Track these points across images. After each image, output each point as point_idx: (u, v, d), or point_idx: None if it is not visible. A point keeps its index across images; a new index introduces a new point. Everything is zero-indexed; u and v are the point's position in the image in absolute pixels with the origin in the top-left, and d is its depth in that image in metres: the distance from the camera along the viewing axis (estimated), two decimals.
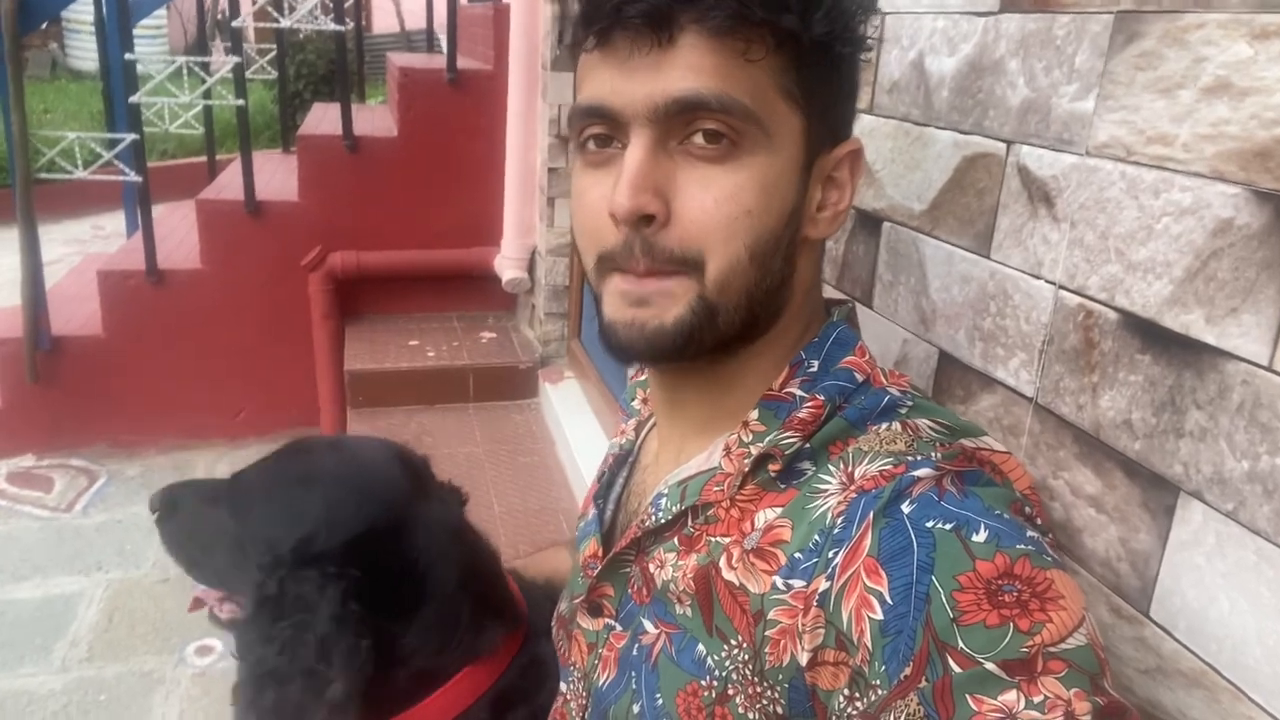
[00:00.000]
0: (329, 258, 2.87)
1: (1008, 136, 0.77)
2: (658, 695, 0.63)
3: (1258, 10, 0.55)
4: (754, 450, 0.62)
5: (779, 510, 0.60)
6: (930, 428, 0.61)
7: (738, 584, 0.60)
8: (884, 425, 0.61)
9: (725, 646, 0.60)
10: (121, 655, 2.14)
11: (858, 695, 0.50)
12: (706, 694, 0.60)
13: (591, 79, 0.61)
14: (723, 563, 0.61)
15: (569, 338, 2.80)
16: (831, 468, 0.60)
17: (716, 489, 0.63)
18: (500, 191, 2.80)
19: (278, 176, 3.18)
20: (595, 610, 0.72)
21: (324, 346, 2.89)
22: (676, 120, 0.58)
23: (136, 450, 2.98)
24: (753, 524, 0.61)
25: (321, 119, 3.24)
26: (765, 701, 0.57)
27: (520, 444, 2.53)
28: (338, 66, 3.11)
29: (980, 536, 0.50)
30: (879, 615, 0.50)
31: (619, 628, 0.70)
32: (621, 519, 0.76)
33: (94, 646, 2.16)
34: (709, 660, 0.60)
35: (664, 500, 0.66)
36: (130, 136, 2.81)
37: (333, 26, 2.96)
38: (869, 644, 0.49)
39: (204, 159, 4.01)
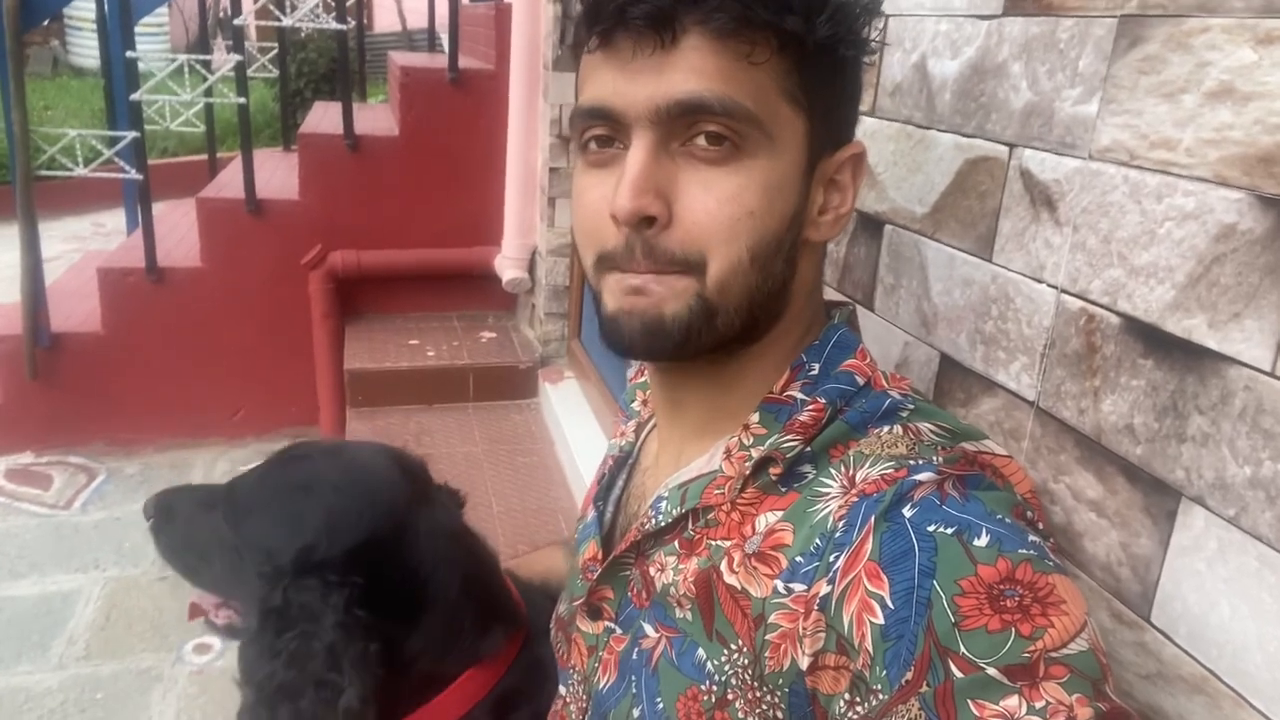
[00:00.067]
0: (329, 257, 2.87)
1: (1010, 140, 0.77)
2: (658, 699, 0.63)
3: (1262, 15, 0.55)
4: (755, 453, 0.62)
5: (780, 514, 0.60)
6: (931, 431, 0.61)
7: (739, 588, 0.59)
8: (885, 428, 0.61)
9: (725, 651, 0.59)
10: (119, 653, 2.13)
11: (858, 700, 0.50)
12: (706, 699, 0.60)
13: (593, 80, 0.61)
14: (724, 566, 0.61)
15: (569, 338, 2.80)
16: (833, 471, 0.60)
17: (717, 492, 0.63)
18: (501, 191, 2.80)
19: (278, 175, 3.18)
20: (595, 613, 0.72)
21: (324, 345, 2.88)
22: (678, 122, 0.58)
23: (135, 448, 2.98)
24: (754, 527, 0.61)
25: (322, 118, 3.24)
26: (765, 706, 0.57)
27: (520, 444, 2.53)
28: (339, 65, 3.12)
29: (982, 541, 0.50)
30: (880, 620, 0.49)
31: (619, 631, 0.70)
32: (621, 521, 0.75)
33: (91, 644, 2.15)
34: (709, 665, 0.60)
35: (664, 503, 0.66)
36: (131, 134, 2.81)
37: (334, 25, 2.96)
38: (870, 648, 0.49)
39: (205, 157, 4.01)
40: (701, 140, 0.58)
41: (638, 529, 0.68)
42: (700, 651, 0.61)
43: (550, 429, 2.60)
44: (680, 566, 0.64)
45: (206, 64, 3.04)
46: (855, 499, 0.56)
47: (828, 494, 0.59)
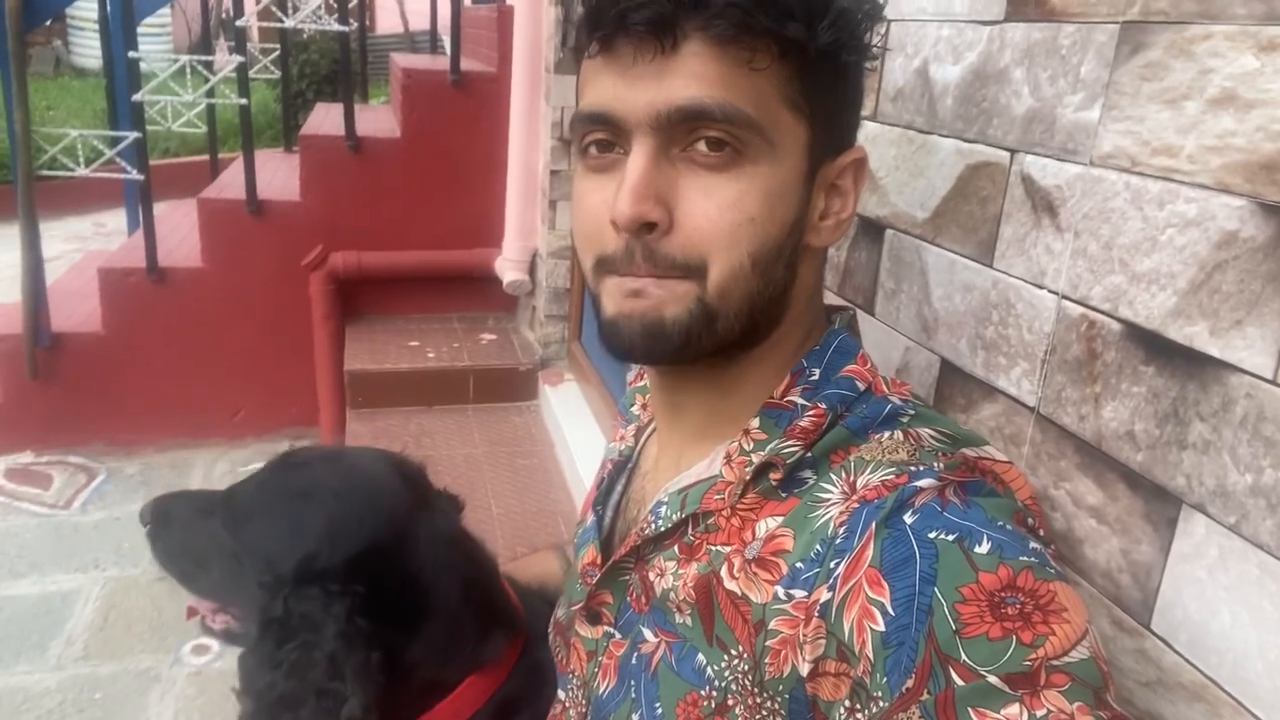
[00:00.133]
0: (330, 258, 2.87)
1: (1012, 145, 0.77)
2: (657, 705, 0.63)
3: (1264, 22, 0.55)
4: (755, 459, 0.62)
5: (780, 519, 0.60)
6: (932, 437, 0.61)
7: (740, 593, 0.59)
8: (886, 434, 0.61)
9: (725, 656, 0.59)
10: (117, 653, 2.13)
11: (859, 707, 0.50)
12: (706, 704, 0.60)
13: (594, 85, 0.61)
14: (724, 572, 0.61)
15: (569, 340, 2.80)
16: (833, 476, 0.60)
17: (717, 497, 0.63)
18: (502, 193, 2.80)
19: (279, 176, 3.19)
20: (594, 618, 0.72)
21: (324, 346, 2.88)
22: (679, 128, 0.58)
23: (135, 448, 2.98)
24: (754, 533, 0.61)
25: (324, 119, 3.24)
26: (765, 712, 0.56)
27: (519, 446, 2.53)
28: (341, 66, 3.12)
29: (983, 548, 0.50)
30: (881, 626, 0.49)
31: (618, 636, 0.69)
32: (621, 526, 0.75)
33: (90, 644, 2.15)
34: (709, 670, 0.60)
35: (664, 508, 0.66)
36: (133, 134, 2.81)
37: (336, 27, 2.97)
38: (870, 655, 0.49)
39: (206, 157, 4.01)
40: (702, 146, 0.58)
41: (637, 534, 0.67)
42: (700, 657, 0.61)
43: (550, 431, 2.60)
44: (680, 572, 0.64)
45: (208, 65, 3.04)
46: (856, 505, 0.56)
47: (828, 500, 0.58)
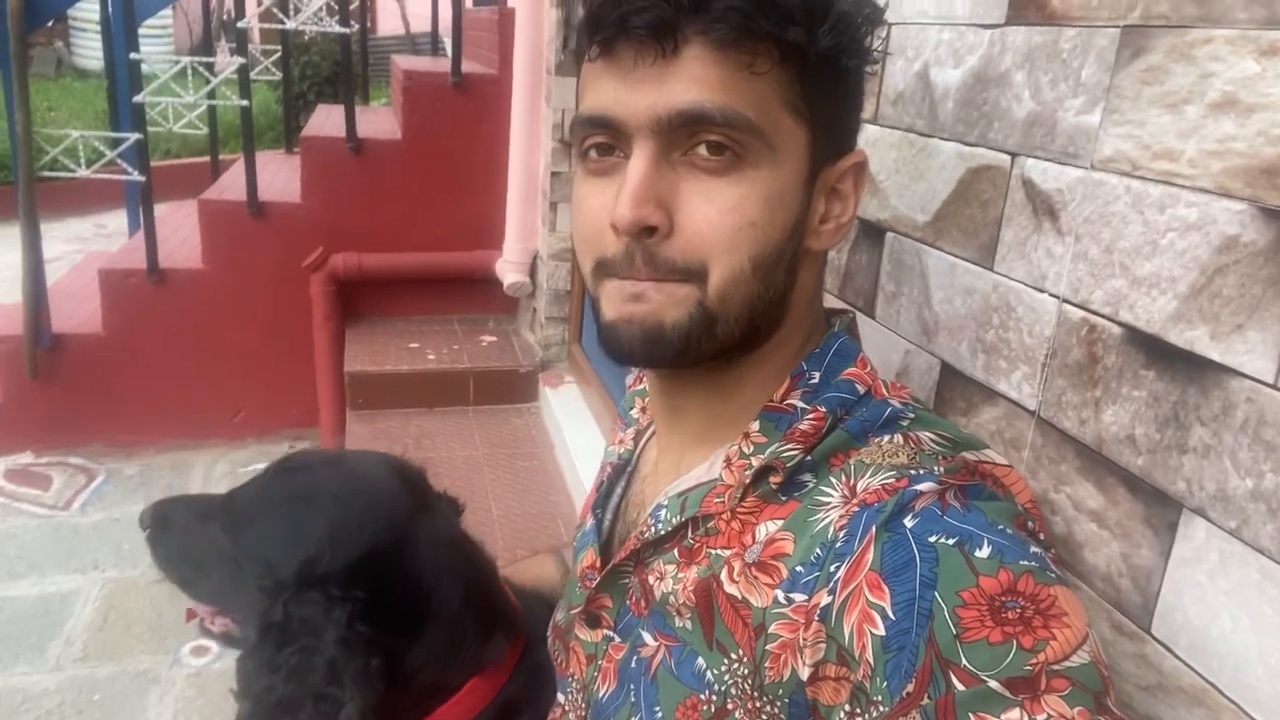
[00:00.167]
0: (331, 259, 2.88)
1: (1012, 149, 0.77)
2: (657, 709, 0.62)
3: (1265, 27, 0.55)
4: (755, 462, 0.62)
5: (780, 523, 0.60)
6: (932, 440, 0.61)
7: (740, 597, 0.59)
8: (886, 437, 0.61)
9: (725, 660, 0.59)
10: (116, 655, 2.13)
11: (859, 711, 0.50)
12: (706, 708, 0.60)
13: (594, 88, 0.61)
14: (724, 576, 0.61)
15: (570, 342, 2.80)
16: (833, 480, 0.60)
17: (717, 501, 0.63)
18: (503, 195, 2.81)
19: (280, 177, 3.19)
20: (593, 621, 0.72)
21: (324, 348, 2.88)
22: (680, 132, 0.58)
23: (135, 449, 2.98)
24: (754, 536, 0.61)
25: (325, 120, 3.24)
26: (765, 717, 0.56)
27: (519, 448, 2.53)
28: (342, 68, 3.12)
29: (983, 552, 0.50)
30: (881, 631, 0.49)
31: (617, 639, 0.69)
32: (620, 529, 0.75)
33: (89, 645, 2.15)
34: (709, 674, 0.60)
35: (664, 511, 0.66)
36: (134, 136, 2.81)
37: (338, 28, 2.97)
38: (871, 659, 0.49)
39: (207, 159, 4.01)
40: (703, 150, 0.58)
41: (637, 537, 0.67)
42: (700, 661, 0.61)
43: (550, 433, 2.60)
44: (680, 575, 0.64)
45: (210, 66, 3.04)
46: (856, 509, 0.56)
47: (828, 503, 0.58)
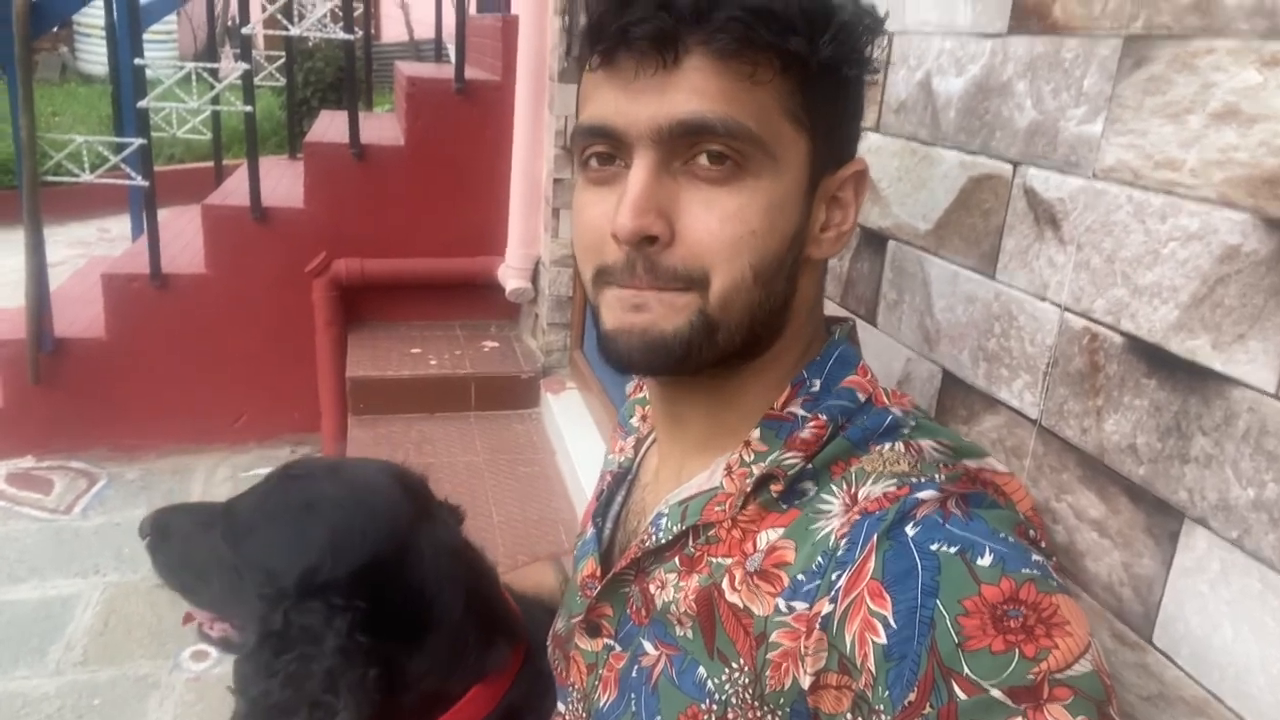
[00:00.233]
0: (333, 264, 2.88)
1: (1014, 158, 0.77)
2: (658, 718, 0.62)
3: (1267, 37, 0.55)
4: (756, 470, 0.62)
5: (781, 531, 0.60)
6: (933, 448, 0.61)
7: (741, 606, 0.59)
8: (887, 445, 0.61)
9: (726, 669, 0.59)
10: (117, 659, 2.13)
11: None
12: (707, 717, 0.59)
13: (595, 98, 0.61)
14: (725, 584, 0.61)
15: (571, 348, 2.80)
16: (834, 488, 0.60)
17: (718, 509, 0.63)
18: (505, 201, 2.81)
19: (284, 183, 3.19)
20: (594, 630, 0.72)
21: (326, 353, 2.89)
22: (680, 142, 0.58)
23: (137, 453, 2.98)
24: (755, 545, 0.61)
25: (329, 126, 3.25)
26: None
27: (521, 454, 2.53)
28: (346, 74, 3.13)
29: (985, 560, 0.50)
30: (883, 639, 0.49)
31: (618, 648, 0.69)
32: (621, 538, 0.75)
33: (89, 650, 2.15)
34: (710, 683, 0.60)
35: (664, 520, 0.66)
36: (138, 141, 2.82)
37: (342, 35, 2.98)
38: (872, 668, 0.49)
39: (211, 164, 4.03)
40: (703, 160, 0.58)
41: (638, 546, 0.67)
42: (701, 670, 0.61)
43: (552, 439, 2.60)
44: (681, 584, 0.64)
45: (214, 72, 3.06)
46: (857, 517, 0.56)
47: (829, 511, 0.58)
